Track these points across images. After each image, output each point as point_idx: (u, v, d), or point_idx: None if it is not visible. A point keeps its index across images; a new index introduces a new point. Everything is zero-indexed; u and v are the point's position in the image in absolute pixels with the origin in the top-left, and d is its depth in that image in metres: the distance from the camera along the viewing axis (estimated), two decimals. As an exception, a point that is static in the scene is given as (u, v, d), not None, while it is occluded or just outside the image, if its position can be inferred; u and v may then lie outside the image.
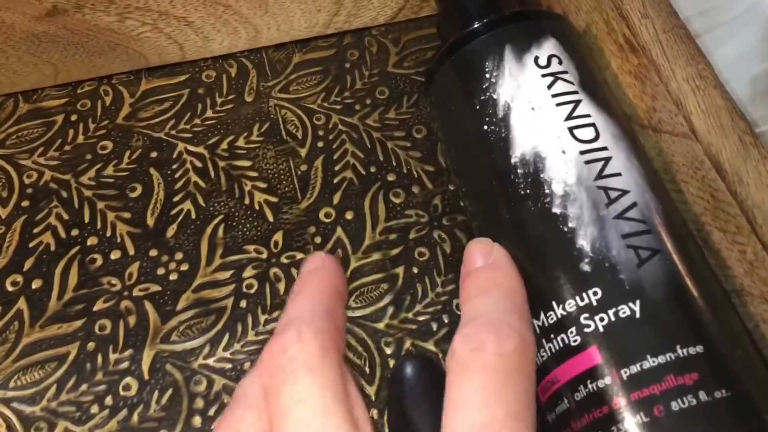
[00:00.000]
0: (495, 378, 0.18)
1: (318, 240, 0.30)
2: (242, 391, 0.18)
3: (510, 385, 0.18)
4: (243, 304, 0.28)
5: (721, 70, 0.26)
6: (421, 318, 0.28)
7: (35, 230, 0.29)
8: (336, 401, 0.17)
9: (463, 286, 0.22)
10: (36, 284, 0.28)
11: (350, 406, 0.18)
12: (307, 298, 0.20)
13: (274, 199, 0.31)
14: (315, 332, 0.18)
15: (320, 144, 0.32)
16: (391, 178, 0.31)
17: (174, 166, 0.31)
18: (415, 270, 0.29)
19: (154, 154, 0.32)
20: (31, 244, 0.29)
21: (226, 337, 0.27)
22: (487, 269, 0.22)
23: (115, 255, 0.29)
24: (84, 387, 0.26)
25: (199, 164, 0.31)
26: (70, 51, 0.32)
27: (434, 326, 0.28)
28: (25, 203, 0.30)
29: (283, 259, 0.29)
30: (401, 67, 0.34)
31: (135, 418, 0.26)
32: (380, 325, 0.28)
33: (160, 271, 0.29)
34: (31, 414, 0.26)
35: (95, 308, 0.28)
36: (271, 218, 0.30)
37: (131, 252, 0.29)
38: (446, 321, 0.28)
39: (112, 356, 0.27)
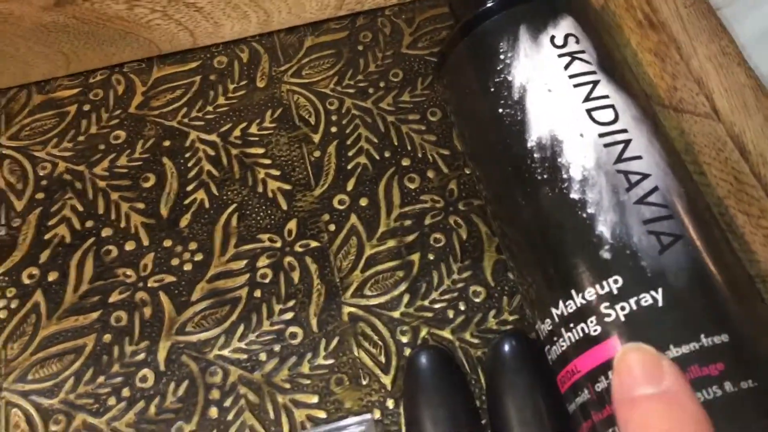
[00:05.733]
0: None
1: (332, 228, 0.29)
2: None
3: None
4: (257, 293, 0.28)
5: (745, 45, 0.25)
6: (437, 306, 0.27)
7: (50, 222, 0.29)
8: None
9: (625, 419, 0.16)
10: (52, 277, 0.28)
11: None
12: None
13: (287, 187, 0.30)
14: None
15: (333, 129, 0.31)
16: (405, 162, 0.31)
17: (187, 155, 0.31)
18: (431, 257, 0.28)
19: (166, 143, 0.31)
20: (46, 237, 0.29)
21: (241, 327, 0.27)
22: (660, 402, 0.16)
23: (129, 246, 0.29)
24: (101, 379, 0.26)
25: (212, 152, 0.31)
26: (81, 40, 0.32)
27: (450, 314, 0.27)
28: (39, 195, 0.30)
29: (297, 248, 0.29)
30: (415, 48, 0.34)
31: (152, 409, 0.26)
32: (396, 314, 0.27)
33: (175, 261, 0.28)
34: (49, 407, 0.26)
35: (111, 300, 0.28)
36: (284, 206, 0.30)
37: (146, 243, 0.29)
38: (462, 309, 0.27)
39: (129, 348, 0.27)
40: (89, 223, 0.29)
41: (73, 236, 0.29)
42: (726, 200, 0.23)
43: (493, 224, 0.27)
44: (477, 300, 0.28)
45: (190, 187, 0.30)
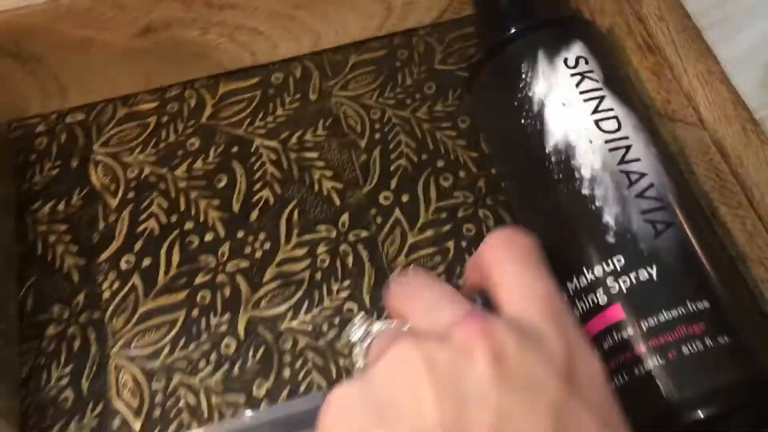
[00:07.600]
0: None
1: (379, 220, 0.34)
2: None
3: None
4: (318, 276, 0.33)
5: (726, 63, 0.30)
6: (470, 285, 0.33)
7: (141, 218, 0.35)
8: None
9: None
10: (146, 262, 0.34)
11: None
12: None
13: (339, 186, 0.35)
14: None
15: (377, 136, 0.37)
16: (440, 164, 0.36)
17: (252, 159, 0.36)
18: (464, 244, 0.34)
19: (235, 149, 0.37)
20: (138, 229, 0.34)
21: (306, 303, 0.32)
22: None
23: (209, 237, 0.34)
24: (192, 346, 0.32)
25: (273, 157, 0.36)
26: (160, 61, 0.37)
27: (482, 291, 0.32)
28: (130, 195, 0.35)
29: (350, 237, 0.34)
30: (446, 64, 0.39)
31: (236, 371, 0.31)
32: (436, 292, 0.32)
33: (247, 249, 0.34)
34: (151, 369, 0.31)
35: (196, 282, 0.33)
36: (338, 202, 0.35)
37: (222, 234, 0.34)
38: (492, 287, 0.32)
39: (213, 321, 0.32)
40: (174, 218, 0.35)
41: (161, 229, 0.34)
42: (711, 194, 0.28)
43: (516, 216, 0.32)
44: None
45: (256, 187, 0.35)
